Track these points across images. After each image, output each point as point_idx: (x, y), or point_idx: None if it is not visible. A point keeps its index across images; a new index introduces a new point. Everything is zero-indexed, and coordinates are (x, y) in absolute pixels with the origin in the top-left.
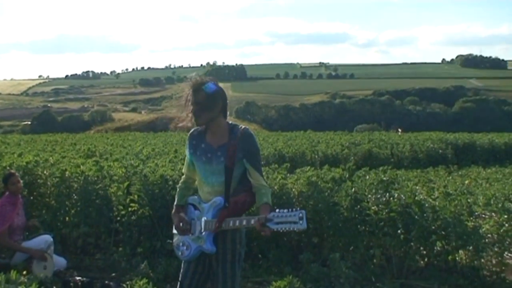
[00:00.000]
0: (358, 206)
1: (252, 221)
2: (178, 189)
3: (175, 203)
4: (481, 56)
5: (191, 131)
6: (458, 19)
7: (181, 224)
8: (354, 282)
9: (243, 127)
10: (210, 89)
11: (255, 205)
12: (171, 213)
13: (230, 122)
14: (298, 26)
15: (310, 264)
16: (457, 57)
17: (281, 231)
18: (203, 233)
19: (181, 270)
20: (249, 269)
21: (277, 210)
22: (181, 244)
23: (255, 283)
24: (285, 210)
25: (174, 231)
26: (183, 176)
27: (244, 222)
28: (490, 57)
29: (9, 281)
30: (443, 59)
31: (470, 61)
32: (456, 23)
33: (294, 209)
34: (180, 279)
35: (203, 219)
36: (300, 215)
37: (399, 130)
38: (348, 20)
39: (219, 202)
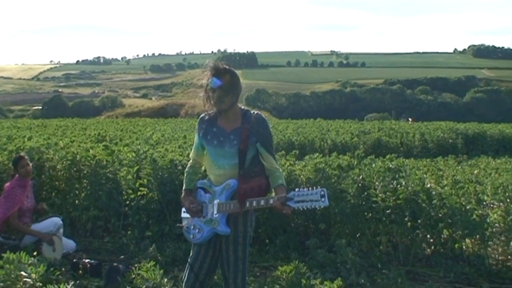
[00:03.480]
0: (365, 193)
1: (271, 201)
2: (185, 174)
3: (183, 187)
4: (493, 46)
5: (201, 116)
6: (471, 8)
7: (192, 206)
8: (360, 268)
9: (256, 112)
10: (215, 84)
11: (270, 187)
12: (179, 197)
13: (242, 107)
14: (310, 13)
15: (316, 250)
16: (469, 47)
17: (301, 209)
18: (216, 215)
19: (191, 254)
20: (256, 254)
21: (296, 189)
22: (192, 227)
23: (262, 267)
24: (305, 189)
25: (183, 214)
26: (190, 161)
27: (263, 202)
28: (503, 47)
29: (20, 261)
30: (455, 49)
31: (482, 51)
32: (469, 13)
33: (314, 188)
34: (190, 262)
35: (216, 201)
36: (322, 193)
37: (410, 119)
38: (360, 8)
39: (233, 184)
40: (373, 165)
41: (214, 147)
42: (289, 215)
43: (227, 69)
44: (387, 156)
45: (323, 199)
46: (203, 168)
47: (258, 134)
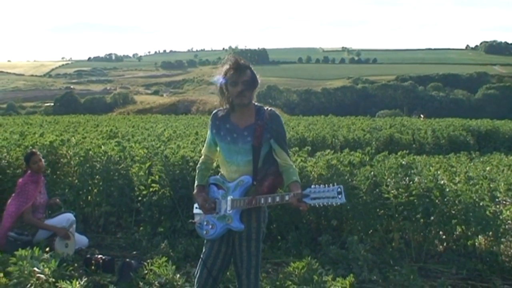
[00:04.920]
0: (377, 190)
1: (287, 197)
2: (197, 170)
3: (196, 183)
4: (505, 42)
5: (214, 112)
6: (484, 5)
7: (206, 203)
8: (372, 265)
9: (269, 108)
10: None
11: (284, 184)
12: (191, 193)
13: (256, 103)
14: (321, 9)
15: (328, 246)
16: (481, 43)
17: (318, 206)
18: (230, 211)
19: (204, 250)
20: (268, 250)
21: (312, 186)
22: (205, 223)
23: (274, 264)
24: (321, 186)
25: (196, 210)
26: (202, 157)
27: (278, 199)
28: None
29: (32, 257)
30: (467, 45)
31: (494, 48)
32: (481, 9)
33: (331, 185)
34: (203, 258)
35: (229, 197)
36: (339, 189)
37: (422, 116)
38: (372, 3)
39: (247, 180)
40: (386, 161)
41: (227, 144)
42: (303, 212)
43: (247, 64)
44: (399, 153)
45: (339, 196)
46: (215, 164)
47: (272, 130)
